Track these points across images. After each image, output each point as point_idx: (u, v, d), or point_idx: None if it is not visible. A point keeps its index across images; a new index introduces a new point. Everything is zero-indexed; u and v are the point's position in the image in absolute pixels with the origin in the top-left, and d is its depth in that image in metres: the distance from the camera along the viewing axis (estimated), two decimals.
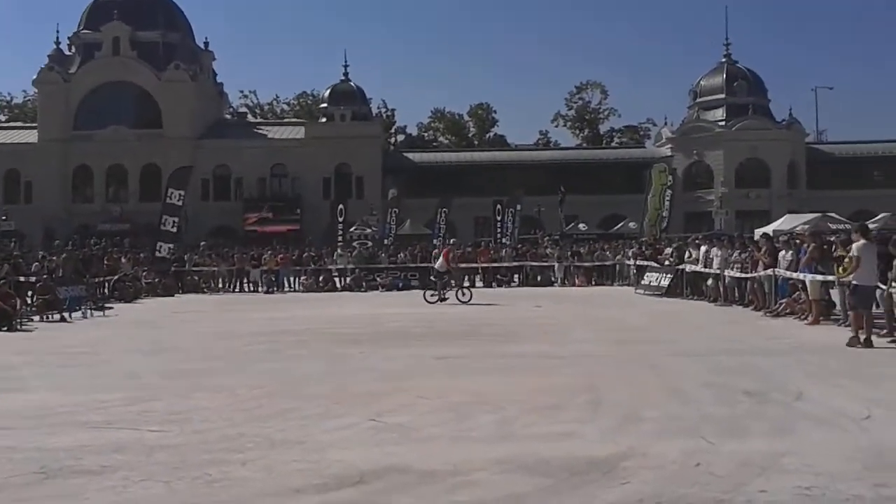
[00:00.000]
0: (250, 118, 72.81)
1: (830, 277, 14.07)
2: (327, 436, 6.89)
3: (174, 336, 15.62)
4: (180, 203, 31.67)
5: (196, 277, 30.14)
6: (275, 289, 29.16)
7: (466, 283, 24.96)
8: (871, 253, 12.12)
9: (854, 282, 12.14)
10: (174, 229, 30.95)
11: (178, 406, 8.27)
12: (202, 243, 35.73)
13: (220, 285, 30.16)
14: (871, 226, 25.60)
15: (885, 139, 61.54)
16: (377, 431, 7.04)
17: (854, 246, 12.43)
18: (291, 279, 30.06)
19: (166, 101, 56.62)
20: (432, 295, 21.66)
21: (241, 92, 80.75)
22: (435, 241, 36.38)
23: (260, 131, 62.36)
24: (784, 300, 16.28)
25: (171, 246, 30.67)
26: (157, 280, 28.13)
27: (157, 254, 30.07)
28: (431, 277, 23.12)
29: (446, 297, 21.66)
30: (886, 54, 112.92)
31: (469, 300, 21.39)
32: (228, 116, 69.46)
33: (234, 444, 6.60)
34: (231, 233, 53.06)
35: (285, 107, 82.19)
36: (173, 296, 27.22)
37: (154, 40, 58.19)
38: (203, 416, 7.78)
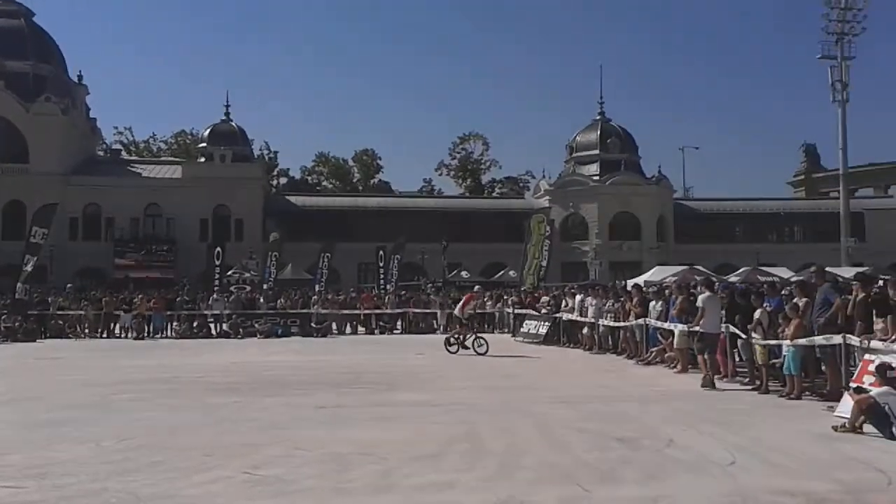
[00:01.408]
0: (124, 155, 70.38)
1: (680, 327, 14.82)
2: (198, 490, 6.62)
3: (34, 384, 14.67)
4: (42, 242, 30.10)
5: (61, 322, 28.50)
6: (146, 335, 27.93)
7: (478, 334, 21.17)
8: (714, 304, 13.67)
9: (700, 330, 13.56)
10: (30, 268, 29.28)
11: (37, 459, 7.75)
12: (69, 285, 33.92)
13: (87, 330, 28.63)
14: (733, 279, 27.34)
15: (746, 197, 65.82)
16: (252, 485, 6.81)
17: (700, 298, 14.04)
18: (164, 325, 28.87)
19: (34, 134, 54.04)
20: (452, 344, 19.86)
21: (116, 128, 78.40)
22: (317, 287, 35.84)
23: (134, 169, 60.32)
24: (654, 349, 16.91)
25: (26, 287, 28.96)
26: (16, 324, 26.44)
27: (17, 295, 28.33)
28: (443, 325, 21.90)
29: (467, 345, 19.68)
30: (748, 119, 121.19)
31: (485, 352, 19.16)
32: (101, 153, 66.88)
33: (98, 500, 6.27)
34: (100, 275, 50.71)
35: (162, 145, 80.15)
36: (35, 341, 25.65)
37: (23, 71, 55.68)
38: (64, 469, 7.32)
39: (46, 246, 31.52)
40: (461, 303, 21.01)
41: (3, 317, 26.55)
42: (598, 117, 64.33)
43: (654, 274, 30.93)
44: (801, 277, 22.30)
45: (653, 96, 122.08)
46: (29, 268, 29.02)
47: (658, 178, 62.87)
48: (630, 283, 23.93)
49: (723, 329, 13.75)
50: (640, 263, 51.41)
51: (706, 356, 13.38)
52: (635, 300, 18.39)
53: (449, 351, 19.63)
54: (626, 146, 63.10)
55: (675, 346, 15.47)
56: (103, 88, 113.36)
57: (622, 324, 18.87)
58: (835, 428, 8.94)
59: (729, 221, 62.44)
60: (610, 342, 19.78)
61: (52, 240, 33.41)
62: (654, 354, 16.82)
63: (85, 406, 11.58)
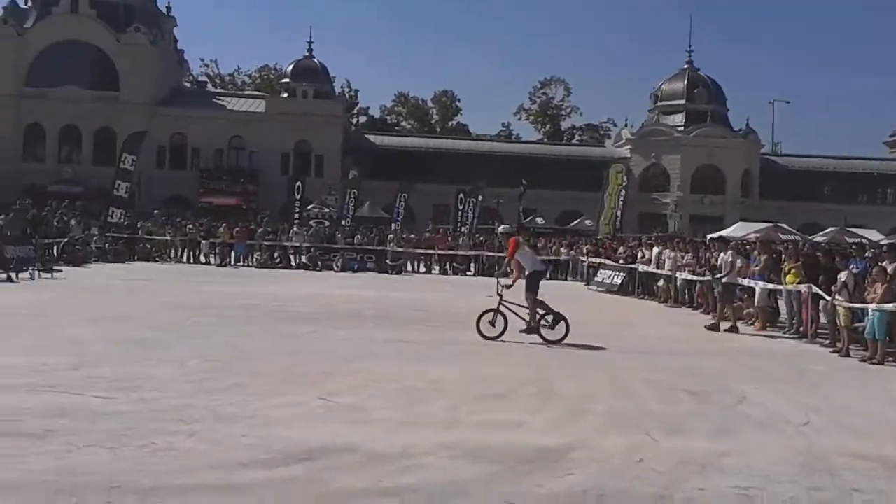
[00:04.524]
0: (210, 88, 71.57)
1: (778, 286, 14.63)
2: (276, 412, 6.86)
3: (123, 303, 15.37)
4: (132, 168, 31.17)
5: (148, 246, 29.68)
6: (228, 262, 28.84)
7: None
8: (735, 259, 15.43)
9: (724, 280, 15.10)
10: (126, 195, 30.53)
11: (125, 374, 8.16)
12: (156, 211, 35.17)
13: (173, 255, 29.75)
14: (818, 238, 26.48)
15: (836, 155, 63.15)
16: (326, 411, 7.04)
17: (724, 255, 15.77)
18: (246, 254, 29.76)
19: (124, 64, 55.29)
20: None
21: (202, 60, 79.52)
22: (393, 226, 36.25)
23: (219, 102, 61.29)
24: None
25: (123, 211, 30.22)
26: (107, 245, 27.63)
27: (110, 219, 29.57)
28: None
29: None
30: (842, 73, 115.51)
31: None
32: (188, 84, 68.19)
33: (181, 415, 6.56)
34: (186, 203, 52.27)
35: (246, 79, 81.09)
36: (124, 262, 26.79)
37: (114, 0, 56.73)
38: (150, 385, 7.69)
39: (136, 172, 32.59)
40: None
41: (94, 238, 27.72)
42: (686, 66, 62.27)
43: (736, 230, 30.19)
44: (892, 241, 21.44)
45: (745, 46, 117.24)
46: (122, 193, 30.19)
47: (746, 131, 60.76)
48: (711, 237, 23.42)
49: (804, 289, 13.43)
50: (721, 218, 50.17)
51: (727, 304, 15.02)
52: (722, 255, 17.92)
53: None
54: (713, 97, 61.02)
55: (755, 303, 15.19)
56: (191, 21, 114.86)
57: (700, 278, 18.52)
58: None
59: (817, 179, 60.07)
60: (686, 296, 19.46)
61: (140, 167, 34.51)
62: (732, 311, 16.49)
63: (170, 327, 12.09)
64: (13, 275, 18.52)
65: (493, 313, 11.81)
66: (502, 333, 11.68)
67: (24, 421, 6.13)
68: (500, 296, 11.76)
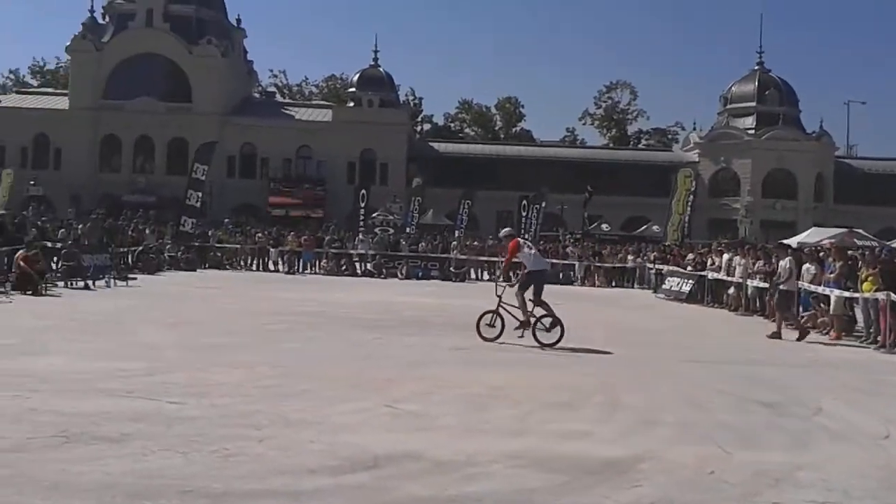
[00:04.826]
0: (278, 98, 72.96)
1: (857, 294, 14.19)
2: (343, 418, 6.93)
3: (195, 310, 15.78)
4: (204, 178, 31.97)
5: (219, 254, 30.40)
6: (296, 270, 29.35)
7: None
8: (794, 265, 15.17)
9: (782, 287, 14.91)
10: (198, 204, 31.33)
11: (197, 379, 8.36)
12: (226, 220, 36.02)
13: (243, 263, 30.40)
14: None
15: None
16: (392, 417, 7.09)
17: (784, 261, 15.37)
18: (313, 261, 30.24)
19: (196, 75, 56.87)
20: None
21: (271, 71, 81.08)
22: (456, 233, 36.34)
23: (287, 112, 62.42)
24: (806, 313, 16.13)
25: (194, 220, 31.01)
26: (179, 254, 28.39)
27: (182, 228, 30.37)
28: None
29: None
30: None
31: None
32: (257, 95, 69.67)
33: (251, 421, 6.67)
34: (255, 211, 53.35)
35: (314, 89, 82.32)
36: (195, 270, 27.47)
37: (187, 14, 58.33)
38: (221, 390, 7.86)
39: (207, 182, 33.44)
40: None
41: (167, 247, 28.52)
42: (756, 67, 60.87)
43: (809, 235, 29.31)
44: None
45: (818, 45, 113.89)
46: (194, 202, 31.00)
47: (819, 133, 59.05)
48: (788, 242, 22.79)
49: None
50: (794, 223, 48.82)
51: (783, 311, 14.81)
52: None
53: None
54: (785, 99, 59.46)
55: (831, 311, 14.74)
56: (260, 32, 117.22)
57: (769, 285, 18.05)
58: None
59: (894, 183, 57.88)
60: (758, 304, 18.97)
61: (211, 176, 35.40)
62: (805, 319, 16.04)
63: (240, 333, 12.35)
64: (90, 282, 19.18)
65: (491, 315, 12.14)
66: (500, 335, 11.95)
67: (104, 425, 6.32)
68: (500, 297, 12.01)
